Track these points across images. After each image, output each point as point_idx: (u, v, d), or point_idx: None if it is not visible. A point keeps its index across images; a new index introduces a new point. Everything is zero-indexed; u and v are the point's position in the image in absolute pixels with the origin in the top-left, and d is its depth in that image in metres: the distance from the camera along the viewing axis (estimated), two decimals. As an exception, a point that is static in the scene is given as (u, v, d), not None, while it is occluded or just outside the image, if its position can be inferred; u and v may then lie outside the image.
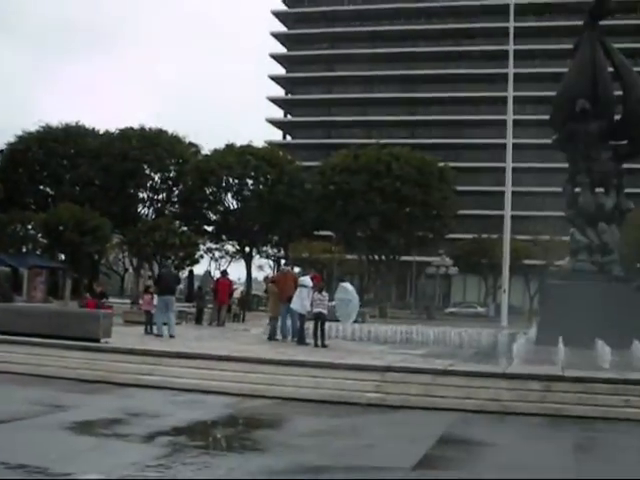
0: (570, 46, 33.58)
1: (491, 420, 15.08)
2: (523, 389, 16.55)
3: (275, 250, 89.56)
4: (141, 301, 34.45)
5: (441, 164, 76.74)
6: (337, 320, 28.25)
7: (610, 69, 31.25)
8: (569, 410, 15.55)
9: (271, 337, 26.06)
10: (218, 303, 35.76)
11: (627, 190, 31.35)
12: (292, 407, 15.64)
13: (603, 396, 16.04)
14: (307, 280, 25.59)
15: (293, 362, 18.78)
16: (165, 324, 25.56)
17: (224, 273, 38.65)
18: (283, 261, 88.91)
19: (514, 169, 57.63)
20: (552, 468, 10.97)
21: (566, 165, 32.46)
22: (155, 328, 26.08)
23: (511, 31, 57.11)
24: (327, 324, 24.67)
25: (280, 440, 12.33)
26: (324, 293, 24.69)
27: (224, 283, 36.19)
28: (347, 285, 28.65)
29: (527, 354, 22.65)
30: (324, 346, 23.18)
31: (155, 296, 27.52)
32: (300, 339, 24.43)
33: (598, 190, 30.68)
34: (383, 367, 18.00)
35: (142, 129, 76.51)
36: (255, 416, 14.85)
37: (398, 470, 10.26)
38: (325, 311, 24.04)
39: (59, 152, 76.62)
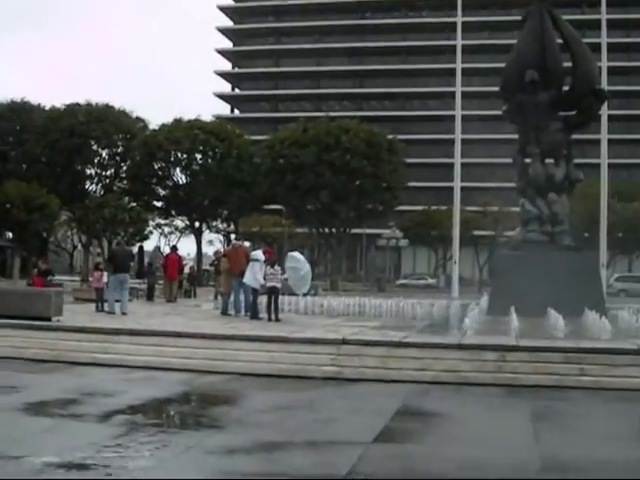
0: (518, 17, 33.62)
1: (448, 391, 15.07)
2: (478, 359, 16.57)
3: (225, 225, 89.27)
4: (91, 278, 34.05)
5: (390, 136, 76.78)
6: (292, 294, 28.09)
7: (559, 40, 31.35)
8: (525, 379, 15.60)
9: (224, 312, 25.88)
10: (168, 279, 35.47)
11: (576, 160, 31.56)
12: (248, 382, 15.51)
13: (558, 365, 16.12)
14: (259, 254, 25.44)
15: (247, 337, 18.64)
16: (118, 301, 25.29)
17: (173, 249, 38.30)
18: (233, 236, 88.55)
19: (463, 141, 57.94)
20: (511, 438, 10.97)
21: (516, 136, 32.59)
22: (107, 305, 25.79)
23: (459, 3, 57.18)
24: (280, 298, 24.57)
25: (237, 416, 12.22)
26: (276, 267, 24.56)
27: (173, 259, 35.85)
28: (296, 254, 28.43)
29: (480, 324, 22.76)
30: (278, 320, 23.08)
31: (105, 273, 27.20)
32: (253, 313, 24.30)
33: (548, 161, 30.88)
34: (338, 340, 17.93)
35: (89, 104, 75.53)
36: (211, 392, 14.72)
37: (358, 444, 10.17)
38: (278, 285, 23.94)
39: (4, 129, 75.50)
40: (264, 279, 24.00)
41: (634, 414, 13.26)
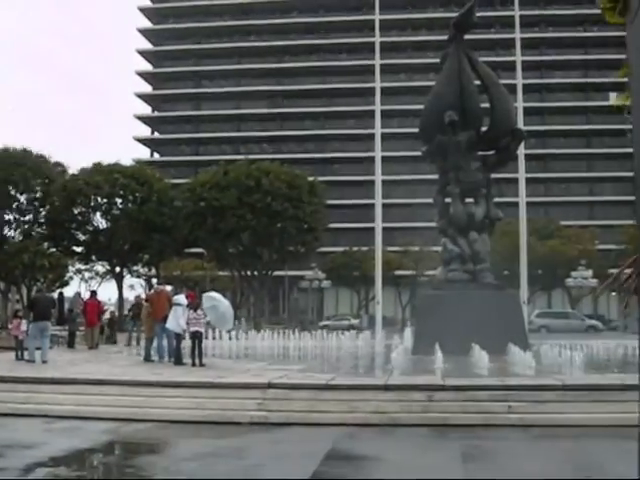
0: (434, 60, 34.17)
1: (377, 433, 14.96)
2: (406, 400, 16.52)
3: (146, 269, 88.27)
4: (10, 326, 33.25)
5: (311, 178, 77.00)
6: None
7: (477, 82, 31.89)
8: (453, 419, 15.59)
9: (147, 358, 25.45)
10: (88, 325, 34.82)
11: (495, 199, 31.98)
12: (174, 430, 15.21)
13: (485, 403, 16.15)
14: (182, 298, 25.18)
15: (172, 383, 18.33)
16: (38, 349, 24.69)
17: (92, 294, 37.70)
18: (155, 280, 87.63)
19: (384, 182, 58.26)
20: (443, 480, 10.91)
21: (436, 176, 32.95)
22: (27, 354, 25.16)
23: (377, 46, 57.79)
24: (204, 342, 24.28)
25: (164, 466, 11.93)
26: (199, 311, 24.29)
27: (92, 304, 35.26)
28: (212, 293, 28.03)
29: (405, 364, 22.77)
30: (202, 365, 22.77)
31: (24, 321, 26.59)
32: (177, 359, 23.93)
33: (468, 200, 31.27)
34: (264, 384, 17.71)
35: (6, 149, 74.28)
36: (136, 441, 14.37)
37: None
38: (202, 329, 23.70)
39: None
40: (187, 323, 23.73)
41: (562, 451, 13.31)
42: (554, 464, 12.06)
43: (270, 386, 17.53)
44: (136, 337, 35.10)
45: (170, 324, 24.15)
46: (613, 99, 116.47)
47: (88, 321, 34.54)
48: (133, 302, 37.86)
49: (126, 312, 56.08)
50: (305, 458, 12.42)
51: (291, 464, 12.08)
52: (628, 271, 5.84)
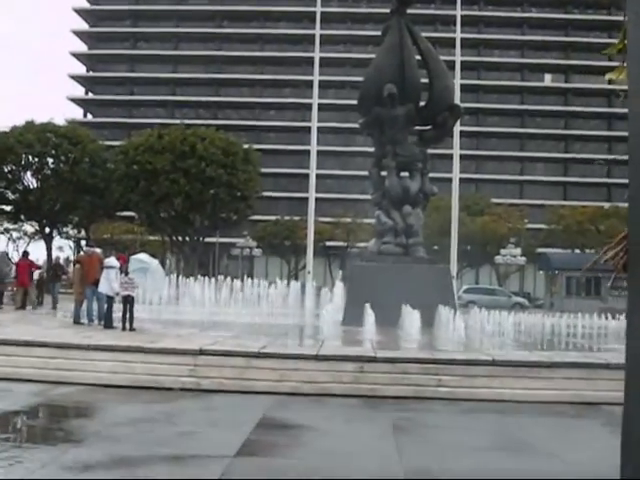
0: (373, 33, 34.17)
1: (307, 402, 15.03)
2: (337, 370, 16.61)
3: (76, 231, 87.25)
4: None
5: (246, 146, 76.64)
6: None
7: (417, 56, 31.97)
8: (384, 391, 15.73)
9: (77, 321, 25.17)
10: (19, 285, 34.34)
11: (431, 175, 32.20)
12: (104, 394, 15.07)
13: (416, 376, 16.32)
14: (113, 261, 24.91)
15: (102, 346, 18.14)
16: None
17: (25, 254, 37.17)
18: (84, 242, 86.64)
19: (318, 152, 58.36)
20: (375, 452, 11.00)
21: (371, 149, 33.04)
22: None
23: (317, 16, 57.64)
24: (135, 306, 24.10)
25: (94, 430, 11.80)
26: (131, 275, 24.11)
27: (24, 265, 34.79)
28: (139, 255, 27.74)
29: (336, 334, 22.89)
30: (132, 330, 22.59)
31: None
32: (107, 322, 23.69)
33: (404, 174, 31.41)
34: (195, 351, 17.65)
35: None
36: (66, 404, 14.22)
37: (221, 458, 10.00)
38: (133, 293, 23.50)
39: None
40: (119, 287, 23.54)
41: (490, 424, 13.53)
42: (484, 438, 12.24)
43: (201, 352, 17.47)
44: (54, 299, 34.65)
45: (103, 287, 23.90)
46: (548, 80, 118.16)
47: (19, 281, 34.06)
48: (53, 263, 37.14)
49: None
50: (237, 426, 12.42)
51: (223, 432, 12.09)
52: (614, 250, 5.88)
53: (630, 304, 4.90)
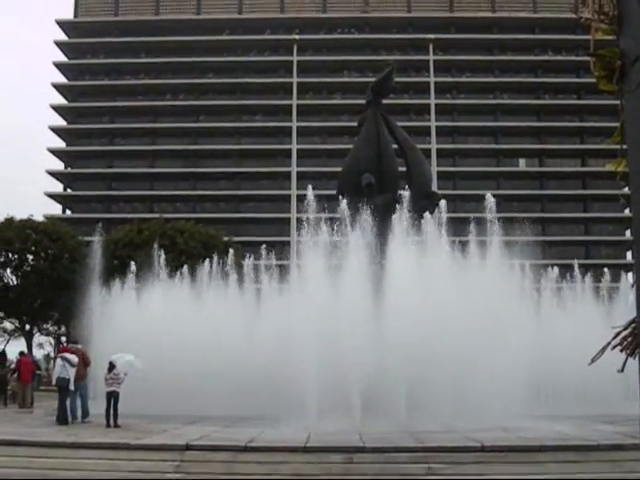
0: (350, 124, 34.72)
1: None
2: (325, 462, 16.47)
3: (56, 327, 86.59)
4: None
5: (226, 238, 76.80)
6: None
7: (394, 145, 32.41)
8: (374, 481, 15.62)
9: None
10: (23, 383, 33.98)
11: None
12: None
13: (405, 465, 16.18)
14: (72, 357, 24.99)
15: (87, 444, 17.96)
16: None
17: (23, 353, 37.38)
18: (64, 338, 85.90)
19: (299, 243, 58.65)
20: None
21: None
22: None
23: (294, 108, 58.48)
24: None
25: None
26: (116, 370, 23.90)
27: (27, 362, 34.96)
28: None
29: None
30: (117, 426, 22.35)
31: None
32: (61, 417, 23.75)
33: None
34: (182, 446, 17.46)
35: None
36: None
37: None
38: (118, 390, 23.23)
39: None
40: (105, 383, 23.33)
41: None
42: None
43: (188, 448, 17.29)
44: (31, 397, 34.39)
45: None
46: (523, 165, 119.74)
47: (23, 379, 33.78)
48: (16, 359, 36.73)
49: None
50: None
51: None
52: (626, 332, 5.91)
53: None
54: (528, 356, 24.16)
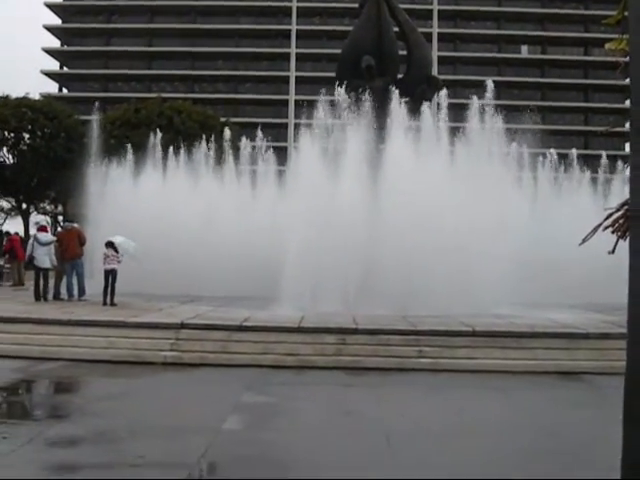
0: (350, 5, 34.06)
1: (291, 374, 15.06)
2: (319, 343, 16.67)
3: (53, 206, 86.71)
4: None
5: (223, 119, 76.28)
6: None
7: (395, 28, 31.86)
8: (366, 362, 15.82)
9: (56, 296, 25.08)
10: (19, 261, 34.02)
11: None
12: (87, 369, 15.01)
13: (397, 347, 16.39)
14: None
15: (84, 322, 18.11)
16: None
17: (9, 233, 37.30)
18: (61, 217, 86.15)
19: (296, 125, 58.27)
20: (359, 423, 11.09)
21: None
22: None
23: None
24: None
25: (78, 405, 11.84)
26: (117, 247, 23.81)
27: (16, 239, 35.06)
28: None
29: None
30: (113, 304, 22.51)
31: None
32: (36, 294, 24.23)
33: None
34: (177, 324, 17.65)
35: None
36: (49, 380, 14.24)
37: (205, 432, 10.03)
38: (117, 267, 23.26)
39: None
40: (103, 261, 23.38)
41: (474, 398, 13.62)
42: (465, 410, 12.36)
43: (183, 326, 17.48)
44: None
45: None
46: (525, 52, 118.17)
47: (19, 257, 33.79)
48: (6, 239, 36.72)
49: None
50: (220, 399, 12.46)
51: (207, 405, 12.11)
52: (618, 214, 5.88)
53: (632, 270, 4.91)
54: (524, 242, 24.22)
